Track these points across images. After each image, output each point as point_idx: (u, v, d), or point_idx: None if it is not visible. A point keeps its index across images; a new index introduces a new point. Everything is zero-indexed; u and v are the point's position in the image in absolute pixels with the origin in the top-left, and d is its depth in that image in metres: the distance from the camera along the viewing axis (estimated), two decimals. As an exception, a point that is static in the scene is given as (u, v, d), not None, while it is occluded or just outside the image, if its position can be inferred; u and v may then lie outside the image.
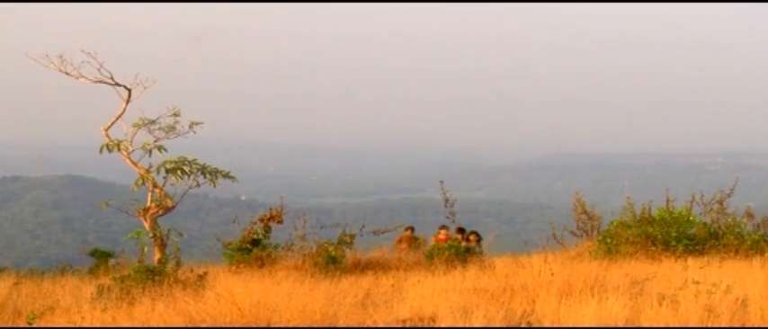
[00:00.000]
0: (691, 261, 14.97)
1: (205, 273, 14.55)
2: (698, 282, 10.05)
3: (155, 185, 16.60)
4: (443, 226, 20.30)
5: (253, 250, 18.23)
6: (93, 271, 18.32)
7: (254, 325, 9.65)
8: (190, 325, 9.86)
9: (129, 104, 16.81)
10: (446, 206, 19.89)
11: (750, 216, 18.87)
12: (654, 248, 17.33)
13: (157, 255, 15.94)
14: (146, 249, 15.54)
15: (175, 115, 16.97)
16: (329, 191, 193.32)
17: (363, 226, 18.63)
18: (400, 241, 20.02)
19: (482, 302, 10.55)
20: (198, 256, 20.06)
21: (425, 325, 9.96)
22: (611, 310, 9.46)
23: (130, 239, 15.86)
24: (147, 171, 16.58)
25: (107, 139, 16.79)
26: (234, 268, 17.50)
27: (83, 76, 16.55)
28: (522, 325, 9.68)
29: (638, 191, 28.24)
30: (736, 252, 16.72)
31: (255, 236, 18.56)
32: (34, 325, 10.94)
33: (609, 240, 18.12)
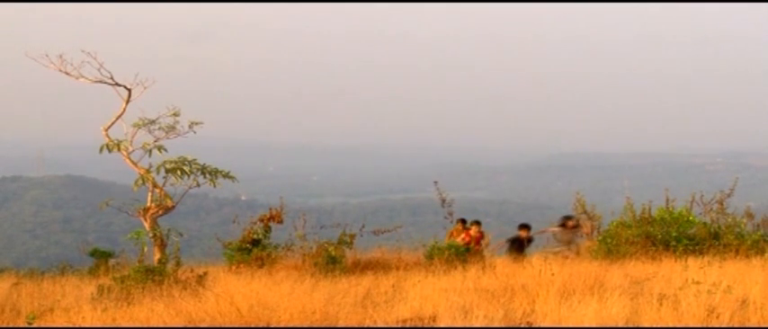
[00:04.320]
0: (691, 261, 14.93)
1: (205, 273, 14.54)
2: (698, 282, 10.03)
3: (155, 185, 16.58)
4: (476, 221, 19.93)
5: (253, 250, 18.23)
6: (93, 271, 18.32)
7: (253, 325, 9.64)
8: (189, 325, 9.86)
9: (129, 104, 16.80)
10: (443, 206, 19.84)
11: (750, 216, 18.85)
12: (654, 248, 17.32)
13: (157, 255, 15.93)
14: (146, 249, 15.52)
15: (175, 115, 16.95)
16: (329, 191, 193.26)
17: (363, 226, 18.60)
18: (462, 237, 19.26)
19: (482, 302, 10.53)
20: (198, 256, 20.07)
21: (425, 325, 9.94)
22: (612, 310, 9.45)
23: (130, 239, 15.83)
24: (147, 171, 16.57)
25: (107, 139, 16.77)
26: (234, 268, 17.49)
27: (83, 76, 16.52)
28: (523, 325, 9.67)
29: (638, 191, 28.19)
30: (737, 252, 16.70)
31: (255, 236, 18.55)
32: (34, 325, 10.93)
33: (609, 240, 18.12)
